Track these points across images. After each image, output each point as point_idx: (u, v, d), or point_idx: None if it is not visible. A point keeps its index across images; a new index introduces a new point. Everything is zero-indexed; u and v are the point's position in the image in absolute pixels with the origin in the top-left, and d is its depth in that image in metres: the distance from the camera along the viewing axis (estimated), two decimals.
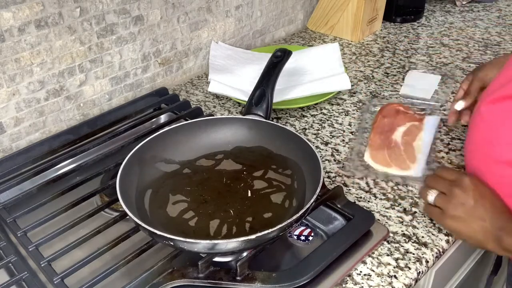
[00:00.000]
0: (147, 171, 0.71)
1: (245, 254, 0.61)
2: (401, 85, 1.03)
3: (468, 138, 0.70)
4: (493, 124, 0.64)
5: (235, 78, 1.03)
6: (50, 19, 0.81)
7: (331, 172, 0.80)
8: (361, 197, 0.74)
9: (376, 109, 0.92)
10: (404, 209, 0.72)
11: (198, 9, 1.04)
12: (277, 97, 0.95)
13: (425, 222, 0.70)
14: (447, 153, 0.83)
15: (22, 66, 0.81)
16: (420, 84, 1.02)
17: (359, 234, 0.65)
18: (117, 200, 0.61)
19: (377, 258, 0.65)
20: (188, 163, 0.74)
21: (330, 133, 0.90)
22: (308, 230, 0.70)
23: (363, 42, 1.24)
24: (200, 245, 0.56)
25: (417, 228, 0.69)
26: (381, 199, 0.74)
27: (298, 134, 0.71)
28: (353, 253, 0.64)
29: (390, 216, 0.71)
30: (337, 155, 0.84)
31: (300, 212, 0.57)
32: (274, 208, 0.66)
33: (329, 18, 1.25)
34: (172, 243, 0.57)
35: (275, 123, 0.75)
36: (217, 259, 0.64)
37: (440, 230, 0.68)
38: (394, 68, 1.10)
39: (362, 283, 0.61)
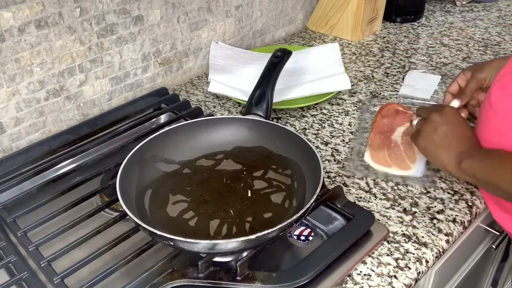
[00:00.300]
0: (147, 171, 0.70)
1: (245, 254, 0.61)
2: (401, 85, 1.03)
3: (479, 127, 0.69)
4: (504, 112, 0.63)
5: (235, 78, 1.03)
6: (50, 19, 0.81)
7: (331, 172, 0.80)
8: (361, 197, 0.74)
9: (376, 109, 0.92)
10: (404, 209, 0.72)
11: (198, 9, 1.04)
12: (277, 97, 0.95)
13: (425, 222, 0.70)
14: None
15: (22, 66, 0.81)
16: (420, 84, 1.02)
17: (359, 234, 0.65)
18: (117, 200, 0.61)
19: (377, 258, 0.65)
20: (188, 163, 0.74)
21: (330, 133, 0.90)
22: (308, 230, 0.70)
23: (363, 42, 1.24)
24: (200, 245, 0.56)
25: (417, 228, 0.69)
26: (381, 199, 0.74)
27: (298, 134, 0.71)
28: (353, 253, 0.64)
29: (390, 216, 0.71)
30: (337, 155, 0.84)
31: (300, 212, 0.57)
32: (274, 208, 0.66)
33: (329, 18, 1.25)
34: (172, 243, 0.57)
35: (275, 123, 0.75)
36: (217, 259, 0.64)
37: (440, 230, 0.68)
38: (394, 68, 1.10)
39: (362, 283, 0.61)
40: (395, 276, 0.62)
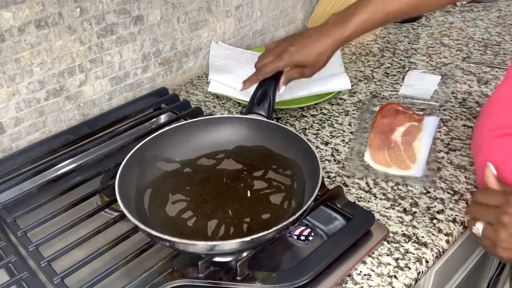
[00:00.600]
0: (147, 171, 0.70)
1: (245, 254, 0.61)
2: (401, 85, 1.03)
3: (478, 167, 0.68)
4: (502, 156, 0.62)
5: (235, 78, 1.03)
6: (50, 19, 0.81)
7: (331, 172, 0.80)
8: (361, 197, 0.74)
9: (376, 109, 0.92)
10: (404, 209, 0.72)
11: (198, 9, 1.04)
12: (277, 97, 0.95)
13: (425, 222, 0.70)
14: (447, 153, 0.83)
15: (22, 66, 0.81)
16: (420, 84, 1.02)
17: (359, 234, 0.65)
18: (117, 200, 0.61)
19: (377, 258, 0.65)
20: (188, 162, 0.74)
21: (330, 133, 0.90)
22: (308, 230, 0.70)
23: (363, 42, 1.24)
24: (197, 246, 0.56)
25: (417, 228, 0.69)
26: (381, 199, 0.74)
27: (298, 134, 0.71)
28: (353, 253, 0.64)
29: (390, 216, 0.71)
30: (337, 155, 0.84)
31: (297, 214, 0.57)
32: (273, 209, 0.66)
33: None
34: (168, 244, 0.57)
35: (275, 123, 0.75)
36: (217, 259, 0.64)
37: (440, 230, 0.68)
38: (394, 68, 1.10)
39: (362, 283, 0.61)
40: (395, 276, 0.62)
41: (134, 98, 0.98)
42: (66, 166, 0.81)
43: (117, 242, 0.64)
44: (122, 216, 0.68)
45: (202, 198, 0.68)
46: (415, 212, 0.72)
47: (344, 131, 0.90)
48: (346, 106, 0.97)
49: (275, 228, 0.55)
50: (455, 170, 0.79)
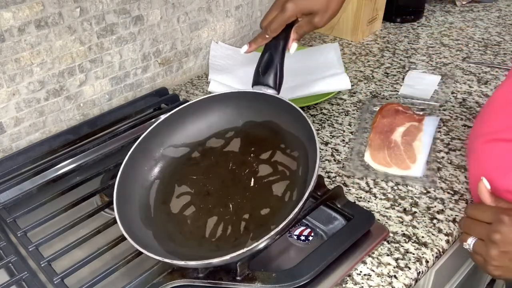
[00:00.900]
0: (155, 161, 0.70)
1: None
2: (401, 85, 1.03)
3: (470, 171, 0.68)
4: (494, 160, 0.62)
5: (235, 78, 1.03)
6: (50, 19, 0.81)
7: (331, 172, 0.80)
8: (361, 197, 0.74)
9: (376, 109, 0.92)
10: (404, 209, 0.72)
11: (198, 9, 1.04)
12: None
13: (425, 222, 0.70)
14: (447, 153, 0.83)
15: (22, 66, 0.81)
16: (420, 84, 1.02)
17: (359, 234, 0.65)
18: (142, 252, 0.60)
19: (377, 258, 0.65)
20: (198, 145, 0.72)
21: (330, 133, 0.90)
22: (308, 230, 0.70)
23: (363, 42, 1.24)
24: (189, 264, 0.56)
25: (417, 228, 0.69)
26: (381, 199, 0.74)
27: (304, 115, 0.66)
28: (353, 253, 0.64)
29: (390, 216, 0.71)
30: (337, 155, 0.84)
31: (280, 227, 0.54)
32: (273, 202, 0.64)
33: None
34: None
35: (281, 98, 0.69)
36: None
37: (440, 230, 0.68)
38: (394, 68, 1.10)
39: (362, 283, 0.61)
40: (395, 276, 0.62)
41: (134, 98, 0.98)
42: (66, 166, 0.81)
43: (117, 242, 0.64)
44: None
45: (206, 190, 0.67)
46: (415, 212, 0.72)
47: (344, 131, 0.90)
48: (346, 106, 0.97)
49: (264, 239, 0.54)
50: (455, 170, 0.79)
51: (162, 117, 0.71)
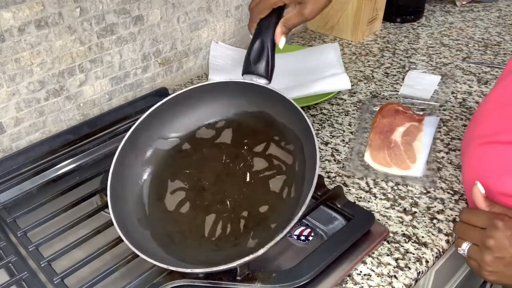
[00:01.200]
0: (145, 156, 0.68)
1: None
2: (401, 85, 1.03)
3: (464, 174, 0.68)
4: (488, 163, 0.61)
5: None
6: (50, 19, 0.81)
7: (331, 172, 0.80)
8: (361, 197, 0.74)
9: (376, 109, 0.92)
10: (404, 209, 0.72)
11: (198, 9, 1.04)
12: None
13: (425, 222, 0.70)
14: (447, 153, 0.83)
15: (22, 66, 0.81)
16: (420, 84, 1.02)
17: (359, 234, 0.65)
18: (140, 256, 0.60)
19: (377, 258, 0.65)
20: (188, 137, 0.70)
21: (330, 133, 0.90)
22: (308, 230, 0.70)
23: (363, 42, 1.24)
24: (196, 271, 0.56)
25: (417, 228, 0.69)
26: (381, 199, 0.74)
27: (295, 104, 0.63)
28: (353, 253, 0.64)
29: (390, 216, 0.71)
30: (337, 155, 0.84)
31: (285, 231, 0.54)
32: (271, 199, 0.64)
33: (329, 18, 1.25)
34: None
35: (273, 89, 0.66)
36: None
37: (440, 230, 0.68)
38: (394, 68, 1.10)
39: (362, 283, 0.61)
40: (395, 276, 0.62)
41: (134, 98, 0.98)
42: (66, 166, 0.81)
43: (117, 242, 0.64)
44: None
45: (201, 185, 0.66)
46: (415, 212, 0.72)
47: (344, 131, 0.90)
48: (346, 106, 0.97)
49: (262, 250, 0.53)
50: (455, 170, 0.79)
51: (150, 110, 0.68)
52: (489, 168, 0.61)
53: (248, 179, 0.65)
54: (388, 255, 0.65)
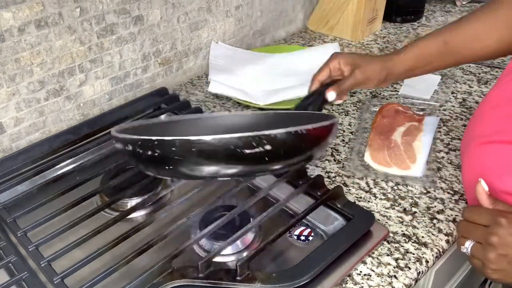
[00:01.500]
0: None
1: (245, 254, 0.61)
2: (401, 85, 1.03)
3: (464, 174, 0.67)
4: (488, 162, 0.61)
5: (235, 78, 1.03)
6: (50, 19, 0.81)
7: (331, 172, 0.80)
8: (361, 197, 0.74)
9: (376, 109, 0.92)
10: (404, 209, 0.72)
11: (198, 9, 1.04)
12: (277, 97, 0.95)
13: (425, 222, 0.70)
14: (447, 153, 0.83)
15: (22, 66, 0.81)
16: (420, 84, 1.02)
17: (359, 234, 0.65)
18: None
19: (377, 258, 0.65)
20: None
21: None
22: (308, 230, 0.70)
23: (363, 42, 1.24)
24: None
25: (417, 228, 0.69)
26: (381, 199, 0.74)
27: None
28: (353, 253, 0.64)
29: (390, 216, 0.71)
30: (337, 155, 0.84)
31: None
32: None
33: (329, 18, 1.25)
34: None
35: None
36: (217, 259, 0.64)
37: (440, 230, 0.68)
38: None
39: (362, 283, 0.61)
40: (395, 276, 0.62)
41: (134, 98, 0.98)
42: (66, 166, 0.81)
43: (117, 242, 0.64)
44: (122, 216, 0.68)
45: None
46: (415, 212, 0.72)
47: (344, 131, 0.90)
48: (346, 106, 0.97)
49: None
50: (455, 170, 0.79)
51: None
52: (489, 168, 0.61)
53: None
54: (388, 255, 0.65)
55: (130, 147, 0.56)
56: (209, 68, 1.07)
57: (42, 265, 0.61)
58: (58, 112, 0.89)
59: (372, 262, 0.64)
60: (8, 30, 0.77)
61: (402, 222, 0.70)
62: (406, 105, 0.92)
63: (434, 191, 0.75)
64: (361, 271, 0.63)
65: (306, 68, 1.05)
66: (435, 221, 0.70)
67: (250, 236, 0.68)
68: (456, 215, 0.71)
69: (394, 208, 0.72)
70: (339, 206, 0.69)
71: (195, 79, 1.10)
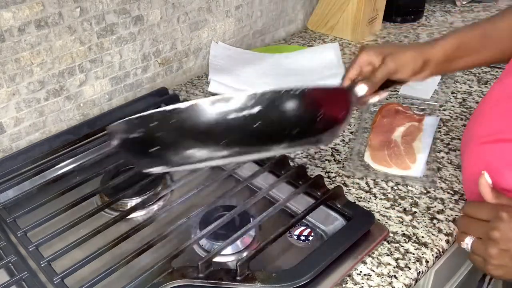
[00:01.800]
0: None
1: (245, 254, 0.61)
2: (401, 85, 1.03)
3: (464, 174, 0.67)
4: (488, 161, 0.61)
5: (235, 78, 1.03)
6: (50, 19, 0.81)
7: (331, 172, 0.80)
8: (361, 197, 0.74)
9: (376, 109, 0.92)
10: (404, 209, 0.72)
11: (198, 9, 1.04)
12: None
13: (425, 222, 0.70)
14: (447, 153, 0.83)
15: (22, 66, 0.81)
16: (420, 84, 1.02)
17: (359, 234, 0.65)
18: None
19: (377, 258, 0.65)
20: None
21: None
22: (308, 230, 0.70)
23: (363, 42, 1.24)
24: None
25: (417, 228, 0.69)
26: (381, 199, 0.74)
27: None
28: (353, 253, 0.64)
29: (390, 216, 0.71)
30: (337, 155, 0.84)
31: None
32: None
33: (329, 18, 1.25)
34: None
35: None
36: (217, 259, 0.64)
37: (440, 230, 0.68)
38: None
39: (362, 283, 0.61)
40: (395, 276, 0.62)
41: (134, 98, 0.98)
42: (66, 166, 0.81)
43: (117, 242, 0.64)
44: (122, 216, 0.68)
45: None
46: (415, 212, 0.72)
47: (344, 131, 0.90)
48: None
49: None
50: (455, 170, 0.79)
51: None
52: (490, 165, 0.60)
53: None
54: (388, 255, 0.65)
55: (119, 136, 0.53)
56: (209, 68, 1.07)
57: (42, 265, 0.61)
58: (58, 112, 0.89)
59: (372, 262, 0.64)
60: (8, 30, 0.77)
61: (402, 222, 0.70)
62: (406, 105, 0.92)
63: (434, 191, 0.75)
64: (361, 271, 0.63)
65: (306, 68, 1.05)
66: (435, 221, 0.70)
67: (250, 236, 0.68)
68: (456, 215, 0.71)
69: (394, 208, 0.72)
70: (339, 206, 0.69)
71: (195, 79, 1.10)
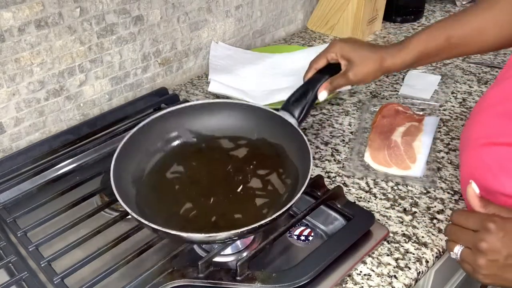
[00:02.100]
0: (167, 137, 0.74)
1: (245, 254, 0.61)
2: (401, 85, 1.03)
3: (462, 175, 0.67)
4: (485, 163, 0.61)
5: (235, 78, 1.03)
6: (50, 19, 0.81)
7: (331, 172, 0.80)
8: (361, 197, 0.75)
9: (376, 109, 0.92)
10: (404, 209, 0.72)
11: (198, 9, 1.04)
12: (277, 97, 0.95)
13: (425, 222, 0.70)
14: (447, 153, 0.83)
15: (22, 66, 0.81)
16: (420, 84, 1.02)
17: (359, 234, 0.65)
18: (117, 200, 0.60)
19: (377, 258, 0.65)
20: (210, 139, 0.75)
21: (330, 133, 0.90)
22: (308, 230, 0.70)
23: None
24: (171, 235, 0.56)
25: (417, 228, 0.69)
26: (381, 199, 0.74)
27: (309, 148, 0.68)
28: (353, 253, 0.64)
29: (390, 216, 0.71)
30: (337, 155, 0.84)
31: (251, 226, 0.56)
32: (248, 211, 0.65)
33: (329, 18, 1.25)
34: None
35: (299, 131, 0.70)
36: (217, 259, 0.64)
37: (440, 230, 0.68)
38: None
39: (362, 283, 0.61)
40: (395, 276, 0.62)
41: (134, 98, 0.98)
42: (66, 166, 0.81)
43: (117, 242, 0.64)
44: (122, 216, 0.68)
45: (198, 178, 0.70)
46: (415, 212, 0.72)
47: (344, 131, 0.90)
48: (346, 106, 0.97)
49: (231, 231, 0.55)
50: (455, 170, 0.79)
51: (191, 102, 0.76)
52: (486, 168, 0.60)
53: (239, 190, 0.68)
54: (388, 255, 0.65)
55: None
56: (209, 68, 1.07)
57: (42, 265, 0.61)
58: (58, 112, 0.89)
59: (372, 262, 0.64)
60: (8, 30, 0.77)
61: (402, 222, 0.70)
62: (406, 105, 0.92)
63: (434, 191, 0.75)
64: (361, 271, 0.63)
65: (306, 68, 1.05)
66: (435, 221, 0.70)
67: (250, 236, 0.68)
68: None
69: (394, 208, 0.72)
70: (339, 206, 0.69)
71: (195, 79, 1.10)
